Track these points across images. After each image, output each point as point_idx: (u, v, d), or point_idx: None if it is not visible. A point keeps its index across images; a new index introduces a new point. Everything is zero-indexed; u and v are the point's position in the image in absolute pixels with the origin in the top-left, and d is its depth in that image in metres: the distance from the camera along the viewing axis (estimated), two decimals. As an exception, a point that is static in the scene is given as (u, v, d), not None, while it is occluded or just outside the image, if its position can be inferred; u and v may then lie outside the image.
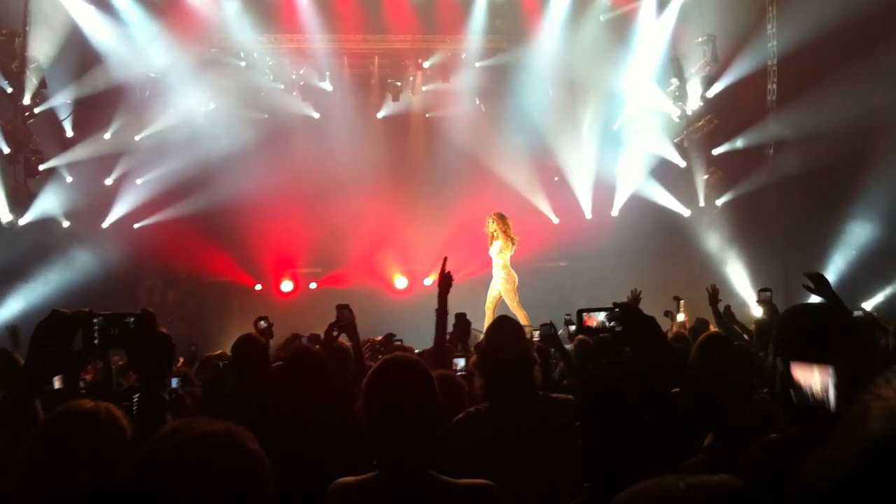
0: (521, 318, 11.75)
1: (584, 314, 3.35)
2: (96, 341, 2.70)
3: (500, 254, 11.88)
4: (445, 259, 5.47)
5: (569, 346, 8.44)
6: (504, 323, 3.91)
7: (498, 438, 3.54)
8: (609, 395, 2.62)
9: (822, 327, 2.60)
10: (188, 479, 1.71)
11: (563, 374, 6.51)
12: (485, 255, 12.11)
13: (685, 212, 18.41)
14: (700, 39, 17.15)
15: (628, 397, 2.56)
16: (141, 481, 1.75)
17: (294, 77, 18.94)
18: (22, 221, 16.40)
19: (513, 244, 11.88)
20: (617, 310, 3.06)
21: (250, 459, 1.78)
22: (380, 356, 7.50)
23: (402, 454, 2.65)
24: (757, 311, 10.86)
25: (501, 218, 11.92)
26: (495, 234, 11.90)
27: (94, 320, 2.69)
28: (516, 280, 11.97)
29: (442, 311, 5.27)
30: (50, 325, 2.59)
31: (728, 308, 8.64)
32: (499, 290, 11.94)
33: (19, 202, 16.43)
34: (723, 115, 17.58)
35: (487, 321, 12.31)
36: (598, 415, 2.58)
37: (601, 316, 3.29)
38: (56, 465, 2.38)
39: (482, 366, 3.79)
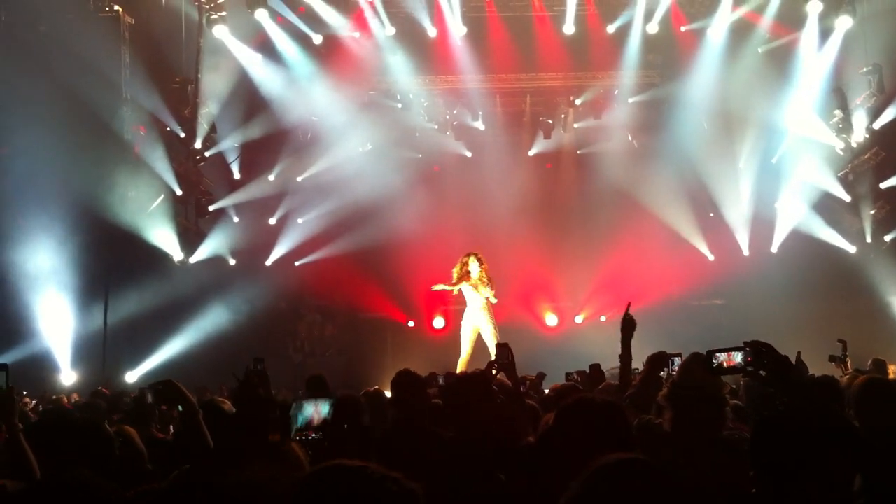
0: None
1: (717, 354, 3.25)
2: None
3: (482, 293, 11.82)
4: (629, 304, 5.26)
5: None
6: (700, 359, 3.84)
7: (678, 469, 3.48)
8: (787, 445, 2.54)
9: None
10: None
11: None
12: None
13: (850, 248, 17.58)
14: (865, 69, 16.48)
15: (808, 447, 2.48)
16: None
17: (448, 117, 19.27)
18: (192, 259, 17.29)
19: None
20: (747, 349, 2.98)
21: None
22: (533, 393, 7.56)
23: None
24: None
25: (481, 259, 11.94)
26: (481, 276, 11.85)
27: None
28: None
29: (626, 357, 5.12)
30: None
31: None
32: (487, 328, 11.86)
33: (190, 241, 17.33)
34: (891, 148, 16.79)
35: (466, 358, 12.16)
36: (776, 465, 2.51)
37: (738, 357, 3.19)
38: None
39: (673, 399, 3.76)
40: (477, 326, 12.16)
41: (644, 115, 18.89)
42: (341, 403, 2.88)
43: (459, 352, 12.39)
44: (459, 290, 12.24)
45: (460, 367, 11.53)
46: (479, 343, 12.29)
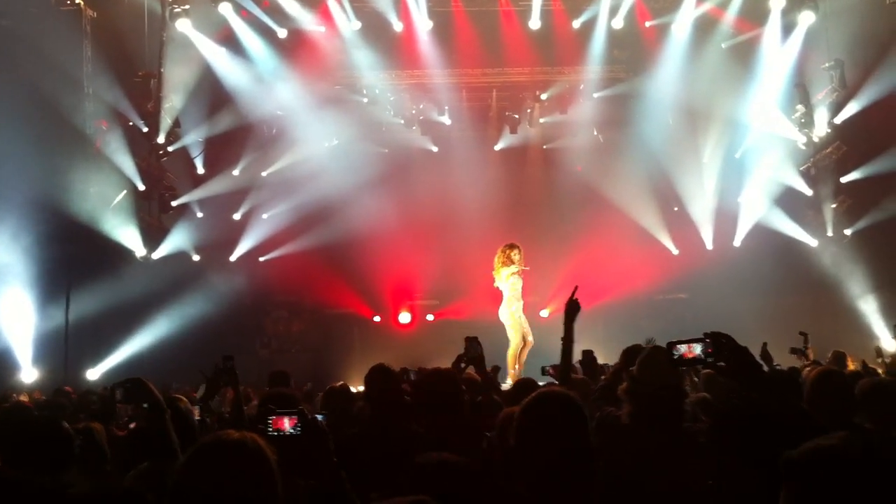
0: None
1: (678, 346, 3.25)
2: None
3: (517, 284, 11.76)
4: (576, 287, 5.06)
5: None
6: (659, 352, 3.83)
7: (636, 462, 3.49)
8: (744, 437, 2.55)
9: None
10: None
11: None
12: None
13: (812, 242, 17.77)
14: (827, 65, 16.64)
15: (764, 438, 2.49)
16: None
17: (414, 112, 19.26)
18: (155, 255, 17.09)
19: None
20: (707, 340, 2.98)
21: None
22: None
23: (558, 488, 2.62)
24: (891, 346, 10.42)
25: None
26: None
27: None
28: None
29: (567, 339, 4.90)
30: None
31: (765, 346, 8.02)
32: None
33: (153, 237, 17.14)
34: (852, 142, 16.99)
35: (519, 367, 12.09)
36: (733, 456, 2.52)
37: (698, 349, 3.20)
38: (206, 493, 2.46)
39: (632, 393, 3.76)
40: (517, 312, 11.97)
41: (609, 111, 19.00)
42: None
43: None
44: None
45: (523, 355, 11.46)
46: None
